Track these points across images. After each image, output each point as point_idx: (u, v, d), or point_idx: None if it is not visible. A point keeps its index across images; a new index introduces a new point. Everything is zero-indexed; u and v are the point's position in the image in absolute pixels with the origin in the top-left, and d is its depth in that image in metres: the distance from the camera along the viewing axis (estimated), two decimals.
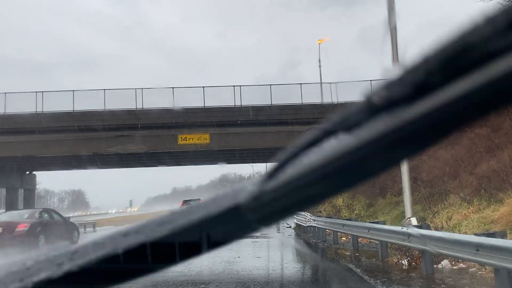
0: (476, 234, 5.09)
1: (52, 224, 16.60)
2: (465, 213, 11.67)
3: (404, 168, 11.60)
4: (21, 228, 14.81)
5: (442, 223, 12.24)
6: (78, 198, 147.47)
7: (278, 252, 11.49)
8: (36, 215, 16.28)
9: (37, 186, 40.03)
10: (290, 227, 21.60)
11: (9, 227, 14.79)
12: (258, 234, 13.78)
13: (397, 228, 7.38)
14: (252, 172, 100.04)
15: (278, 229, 21.39)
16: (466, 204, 12.42)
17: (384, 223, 9.17)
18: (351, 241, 10.86)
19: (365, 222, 10.62)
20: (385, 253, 8.70)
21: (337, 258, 9.71)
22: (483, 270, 6.88)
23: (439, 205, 13.47)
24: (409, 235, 7.02)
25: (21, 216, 16.09)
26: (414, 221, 8.28)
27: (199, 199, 66.51)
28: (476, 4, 13.52)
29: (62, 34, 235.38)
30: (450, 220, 12.24)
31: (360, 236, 9.88)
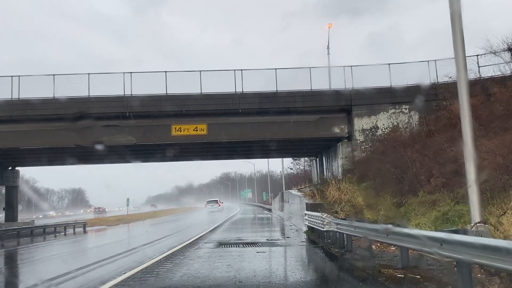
0: None
1: None
2: None
3: (470, 152, 8.40)
4: None
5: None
6: (78, 197, 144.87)
7: (296, 272, 8.14)
8: None
9: (36, 185, 37.04)
10: (301, 230, 18.39)
11: None
12: (263, 240, 10.37)
13: None
14: (253, 170, 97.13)
15: (284, 234, 18.25)
16: None
17: (465, 232, 5.91)
18: (399, 254, 7.62)
19: (426, 230, 7.35)
20: (469, 280, 5.45)
21: (388, 284, 6.44)
22: None
23: (504, 205, 10.26)
24: None
25: None
26: None
27: (217, 200, 66.10)
28: None
29: (81, 39, 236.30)
30: None
31: (419, 251, 6.61)
